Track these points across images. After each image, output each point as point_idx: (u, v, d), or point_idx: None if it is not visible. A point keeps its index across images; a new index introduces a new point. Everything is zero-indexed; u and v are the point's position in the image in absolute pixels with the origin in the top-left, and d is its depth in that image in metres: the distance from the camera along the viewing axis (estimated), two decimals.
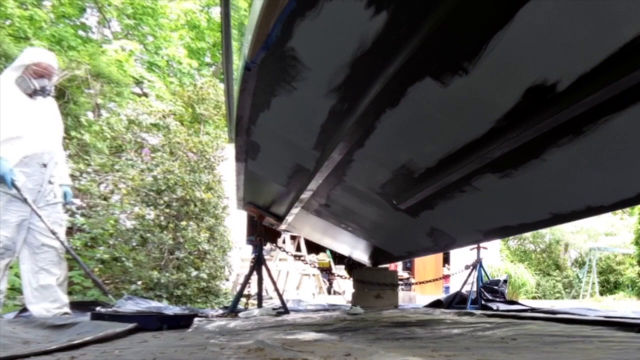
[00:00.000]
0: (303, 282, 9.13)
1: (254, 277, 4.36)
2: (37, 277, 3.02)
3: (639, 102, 1.53)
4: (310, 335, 2.21)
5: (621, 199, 2.10)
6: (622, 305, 8.74)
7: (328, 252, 10.34)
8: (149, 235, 5.43)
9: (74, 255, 3.28)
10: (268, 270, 4.46)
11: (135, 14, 12.15)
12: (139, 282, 5.38)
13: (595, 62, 1.42)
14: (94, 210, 5.85)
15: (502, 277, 6.12)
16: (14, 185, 2.87)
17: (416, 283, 7.88)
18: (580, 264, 16.13)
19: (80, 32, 12.36)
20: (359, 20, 1.52)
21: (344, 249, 5.55)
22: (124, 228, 5.67)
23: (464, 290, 5.49)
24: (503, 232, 3.07)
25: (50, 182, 3.18)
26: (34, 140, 3.06)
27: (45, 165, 3.12)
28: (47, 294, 3.04)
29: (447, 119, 2.04)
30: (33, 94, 3.07)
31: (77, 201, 6.57)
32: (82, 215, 6.25)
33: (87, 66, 6.85)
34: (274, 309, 4.36)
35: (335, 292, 9.86)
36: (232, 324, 3.01)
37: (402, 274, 11.11)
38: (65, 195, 3.35)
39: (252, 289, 4.47)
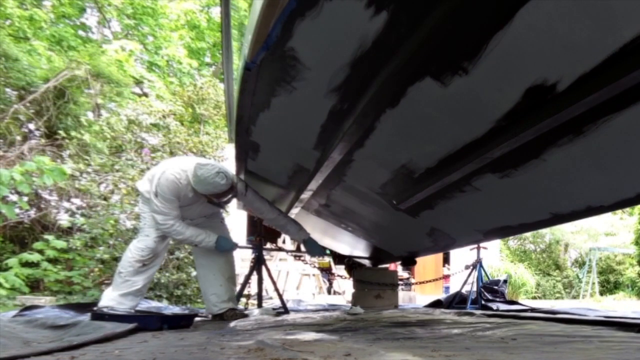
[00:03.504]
0: (303, 282, 9.13)
1: (254, 277, 4.36)
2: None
3: (639, 102, 1.53)
4: (310, 335, 2.21)
5: (621, 199, 2.10)
6: (622, 305, 8.75)
7: (328, 252, 10.32)
8: None
9: None
10: (268, 270, 4.45)
11: (135, 14, 12.16)
12: None
13: (595, 62, 1.42)
14: (94, 210, 5.85)
15: (502, 277, 6.11)
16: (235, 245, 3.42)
17: (416, 283, 7.89)
18: (580, 264, 16.14)
19: (80, 32, 12.38)
20: (359, 20, 1.52)
21: (344, 249, 5.55)
22: (124, 228, 5.67)
23: (464, 290, 5.48)
24: (503, 232, 3.07)
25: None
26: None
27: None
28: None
29: (447, 119, 2.04)
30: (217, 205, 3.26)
31: (77, 201, 6.59)
32: (82, 215, 6.26)
33: (87, 66, 6.86)
34: (274, 309, 4.35)
35: (335, 292, 9.85)
36: (232, 324, 3.01)
37: (402, 274, 11.10)
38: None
39: (252, 289, 4.47)
